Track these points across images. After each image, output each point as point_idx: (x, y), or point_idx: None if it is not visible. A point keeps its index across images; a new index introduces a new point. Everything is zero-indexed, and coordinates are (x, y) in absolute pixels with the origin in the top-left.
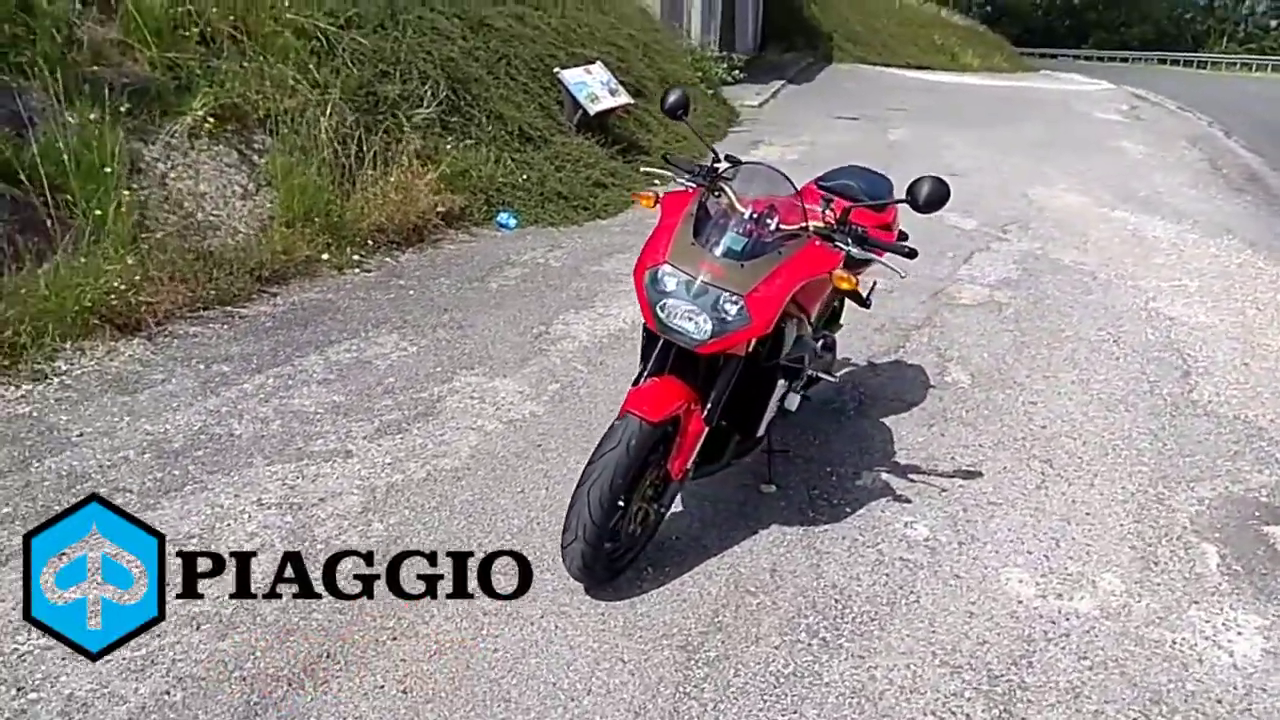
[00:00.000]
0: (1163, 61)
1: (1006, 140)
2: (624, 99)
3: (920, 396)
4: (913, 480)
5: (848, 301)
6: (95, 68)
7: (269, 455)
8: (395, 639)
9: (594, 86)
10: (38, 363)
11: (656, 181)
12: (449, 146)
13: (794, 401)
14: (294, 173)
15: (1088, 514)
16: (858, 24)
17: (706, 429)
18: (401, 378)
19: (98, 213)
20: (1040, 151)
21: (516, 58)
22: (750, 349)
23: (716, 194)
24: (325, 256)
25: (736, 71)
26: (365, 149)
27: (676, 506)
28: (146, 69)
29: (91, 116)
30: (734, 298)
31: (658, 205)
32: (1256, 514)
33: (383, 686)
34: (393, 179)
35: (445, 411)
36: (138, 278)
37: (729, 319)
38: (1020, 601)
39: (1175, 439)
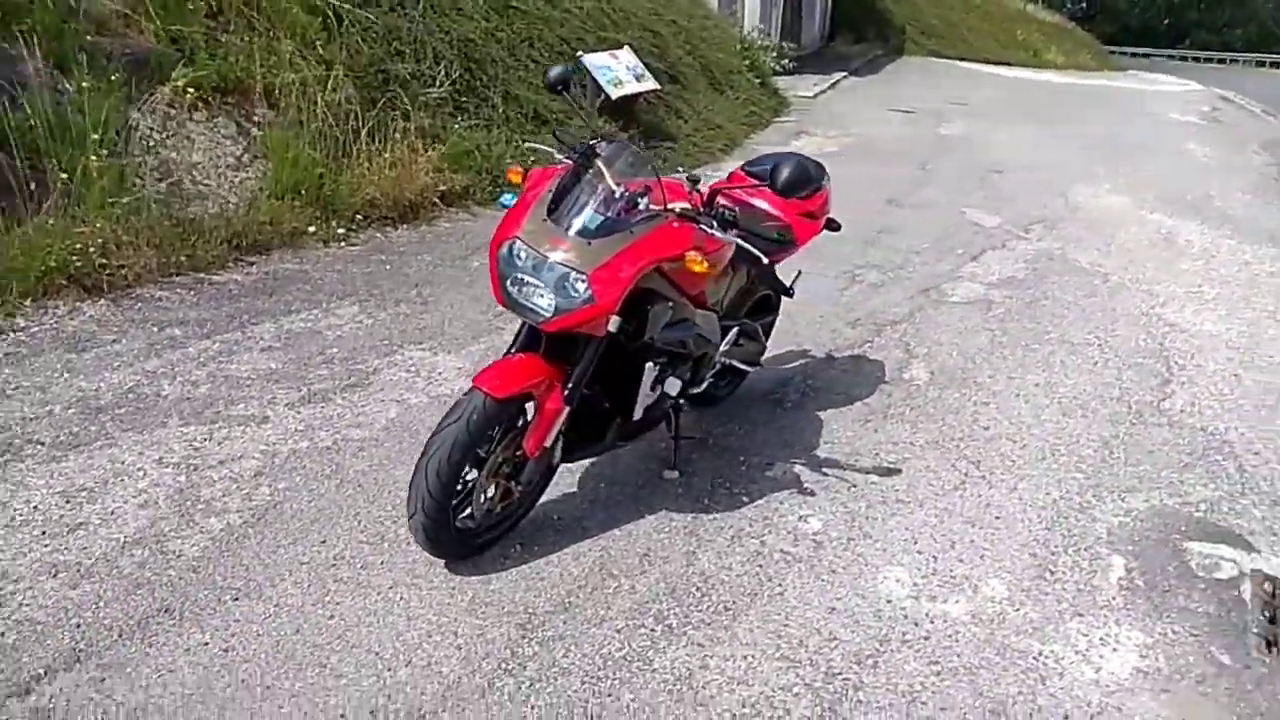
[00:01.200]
0: (1260, 64)
1: (1064, 138)
2: (649, 84)
3: (868, 392)
4: (825, 474)
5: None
6: (96, 38)
7: (186, 417)
8: (237, 599)
9: (619, 71)
10: (1, 319)
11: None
12: (457, 126)
13: (674, 386)
14: (288, 146)
15: (997, 518)
16: (934, 17)
17: (566, 408)
18: (345, 349)
19: (71, 177)
20: (1096, 151)
21: (541, 40)
22: (611, 329)
23: (591, 172)
24: (311, 229)
25: (786, 61)
26: (364, 125)
27: (568, 486)
28: (151, 41)
29: (84, 85)
30: (578, 275)
31: (525, 180)
32: (1182, 529)
33: (207, 644)
34: (388, 155)
35: (376, 384)
36: (108, 241)
37: (573, 297)
38: (889, 601)
39: (1125, 448)
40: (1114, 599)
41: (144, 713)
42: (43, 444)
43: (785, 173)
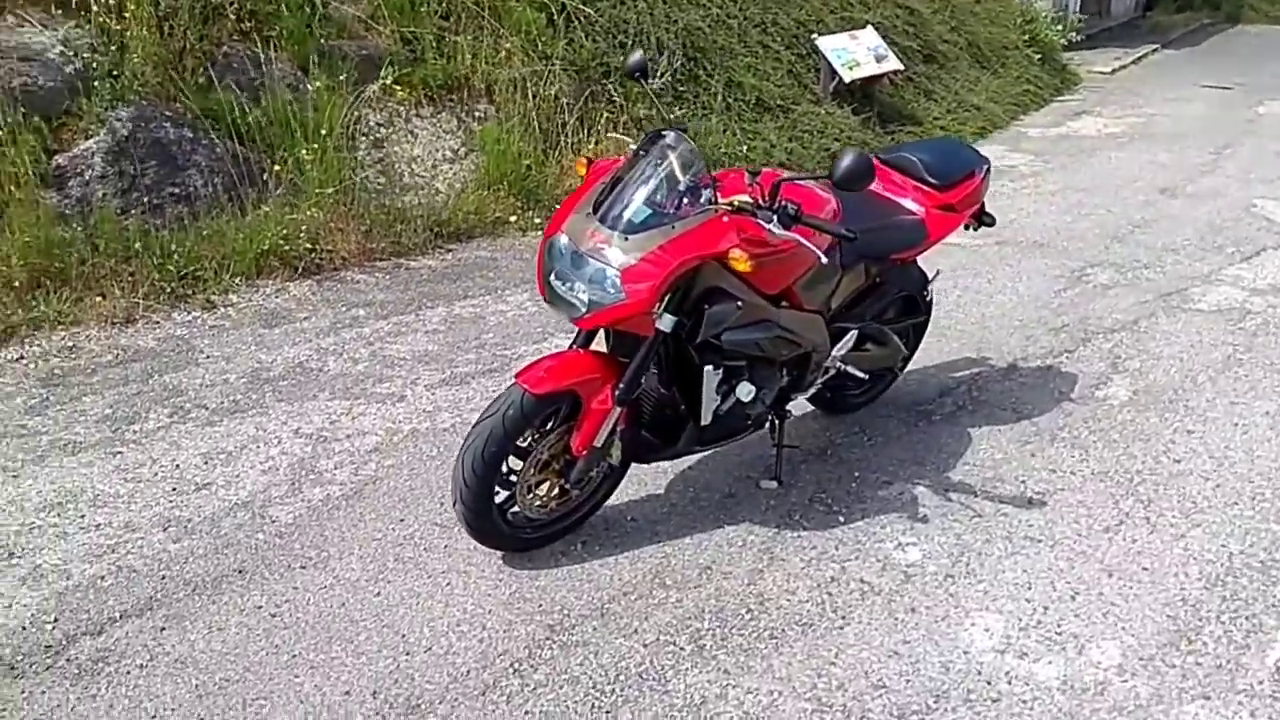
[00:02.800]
0: None
1: None
2: (891, 65)
3: (1043, 410)
4: (949, 499)
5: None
6: (337, 40)
7: (335, 392)
8: (304, 568)
9: (857, 53)
10: (213, 295)
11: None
12: (671, 116)
13: (747, 391)
14: (500, 139)
15: (1144, 569)
16: None
17: (617, 409)
18: (500, 335)
19: (300, 168)
20: None
21: (774, 24)
22: (663, 328)
23: (647, 161)
24: (513, 219)
25: (1075, 36)
26: (576, 117)
27: (655, 488)
28: (387, 42)
29: (319, 84)
30: (612, 271)
31: (588, 171)
32: None
33: (260, 607)
34: (593, 146)
35: (513, 370)
36: (320, 227)
37: (606, 293)
38: (966, 652)
39: None
40: (1261, 685)
41: (181, 664)
42: (207, 409)
43: (843, 164)
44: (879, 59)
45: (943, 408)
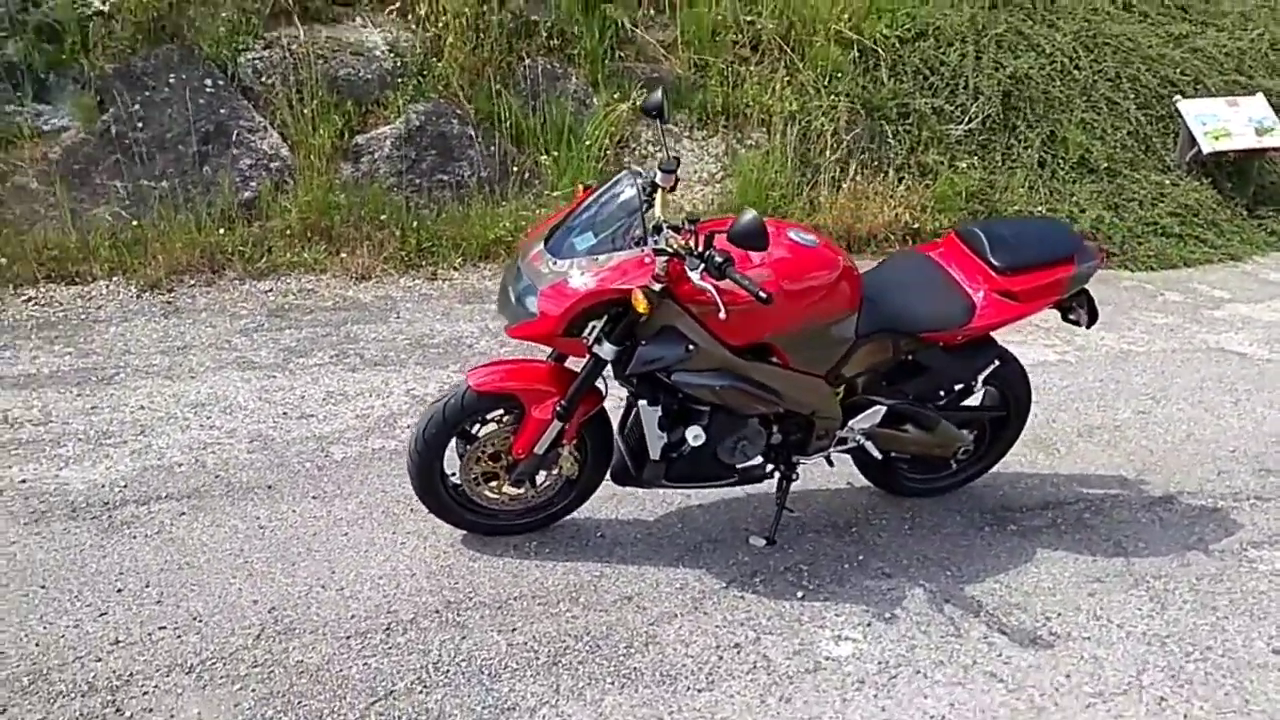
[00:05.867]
0: None
1: None
2: (1276, 141)
3: (1157, 553)
4: (940, 612)
5: None
6: (633, 63)
7: (465, 365)
8: (315, 498)
9: (1230, 121)
10: (440, 269)
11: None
12: (964, 166)
13: (697, 436)
14: (757, 167)
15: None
16: None
17: (558, 423)
18: None
19: (557, 169)
20: None
21: (1132, 80)
22: (602, 355)
23: (610, 198)
24: None
25: None
26: (849, 154)
27: (646, 513)
28: (679, 69)
29: (602, 100)
30: (533, 289)
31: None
32: None
33: (258, 518)
34: (848, 186)
35: None
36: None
37: (524, 308)
38: None
39: None
40: None
41: (171, 543)
42: (363, 358)
43: (739, 221)
44: (1262, 132)
45: (1029, 520)
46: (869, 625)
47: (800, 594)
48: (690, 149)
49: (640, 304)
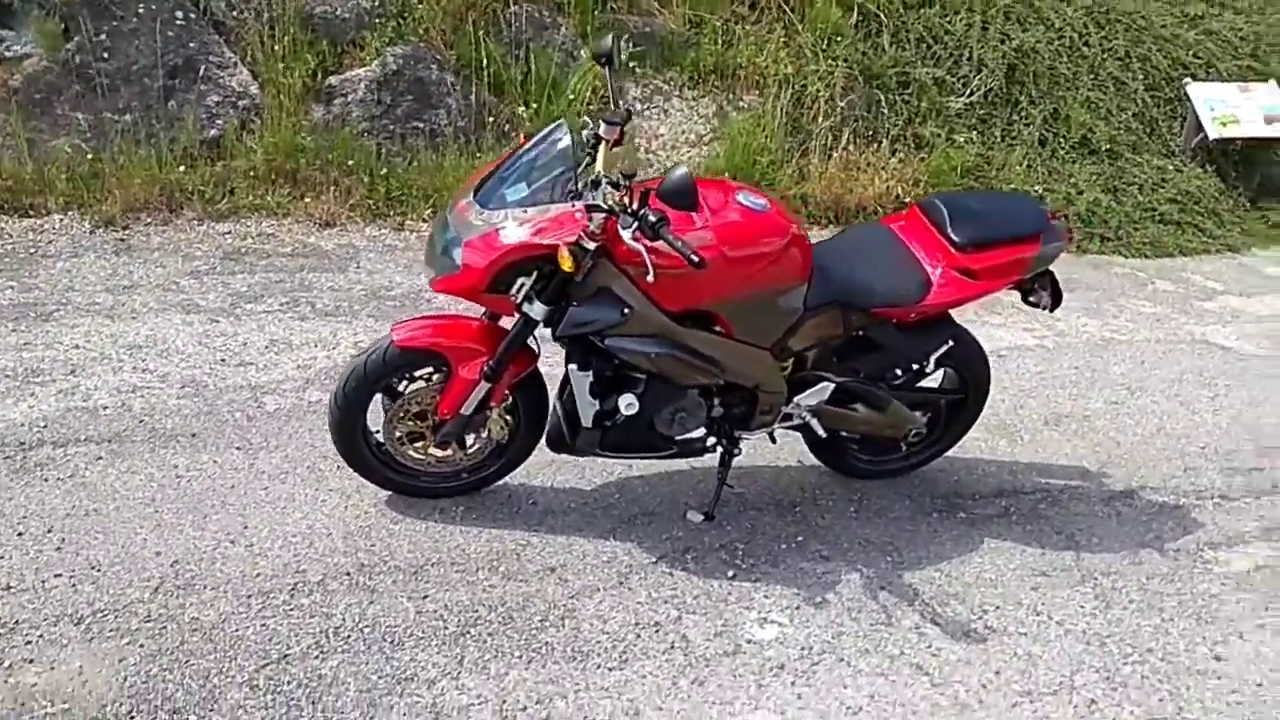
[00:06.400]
0: None
1: None
2: None
3: (1109, 549)
4: (874, 599)
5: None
6: (625, 15)
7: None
8: (239, 449)
9: (1240, 108)
10: (410, 220)
11: None
12: (962, 140)
13: (630, 405)
14: (746, 132)
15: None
16: None
17: (485, 384)
18: None
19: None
20: None
21: (1141, 60)
22: (534, 315)
23: (543, 149)
24: None
25: None
26: (842, 122)
27: (584, 482)
28: (672, 24)
29: (586, 51)
30: (456, 241)
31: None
32: None
33: (176, 468)
34: (839, 155)
35: None
36: None
37: (448, 260)
38: None
39: None
40: None
41: (82, 487)
42: (314, 308)
43: (670, 178)
44: (1271, 120)
45: (981, 509)
46: (797, 609)
47: (731, 573)
48: (680, 109)
49: (565, 262)
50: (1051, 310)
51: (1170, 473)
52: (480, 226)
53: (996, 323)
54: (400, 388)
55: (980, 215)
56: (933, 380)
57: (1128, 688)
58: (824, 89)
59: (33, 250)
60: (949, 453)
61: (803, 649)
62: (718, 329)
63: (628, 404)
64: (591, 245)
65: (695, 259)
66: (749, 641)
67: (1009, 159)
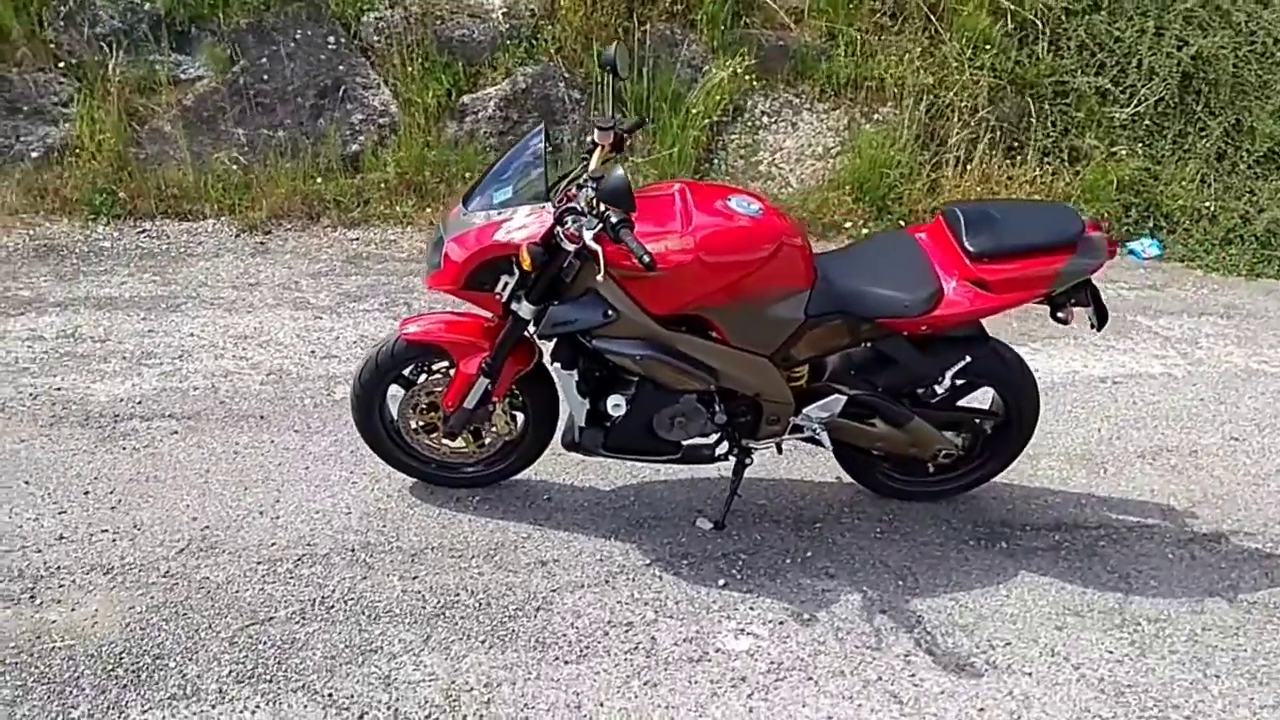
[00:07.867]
0: None
1: None
2: None
3: (1164, 593)
4: (868, 622)
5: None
6: (760, 30)
7: None
8: (296, 432)
9: None
10: None
11: None
12: (1124, 153)
13: (618, 406)
14: (878, 145)
15: None
16: None
17: (484, 380)
18: None
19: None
20: None
21: None
22: (522, 314)
23: (522, 153)
24: (848, 225)
25: None
26: (986, 135)
27: (604, 483)
28: (806, 37)
29: (717, 68)
30: (443, 241)
31: None
32: None
33: (238, 444)
34: (976, 169)
35: None
36: None
37: (433, 258)
38: None
39: None
40: None
41: (152, 456)
42: (413, 309)
43: (609, 177)
44: None
45: (1027, 540)
46: (781, 624)
47: (723, 582)
48: (809, 121)
49: (525, 261)
50: (1098, 329)
51: (1274, 519)
52: (462, 226)
53: (1123, 348)
54: (419, 379)
55: (1000, 224)
56: (980, 401)
57: None
58: (966, 99)
59: (184, 250)
60: (1006, 479)
61: (772, 663)
62: (713, 336)
63: (614, 405)
64: (571, 246)
65: (646, 260)
66: (717, 650)
67: (1178, 174)
